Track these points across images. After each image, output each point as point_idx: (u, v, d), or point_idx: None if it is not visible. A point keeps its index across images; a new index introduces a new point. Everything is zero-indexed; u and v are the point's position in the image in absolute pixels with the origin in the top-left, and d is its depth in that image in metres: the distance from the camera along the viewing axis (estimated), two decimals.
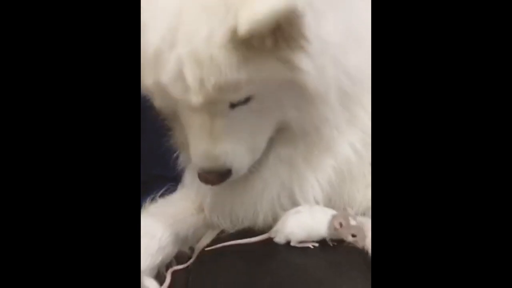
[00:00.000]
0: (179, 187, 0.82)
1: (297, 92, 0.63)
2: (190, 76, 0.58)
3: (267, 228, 0.74)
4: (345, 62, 0.67)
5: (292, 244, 0.71)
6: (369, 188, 0.72)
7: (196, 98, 0.60)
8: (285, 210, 0.74)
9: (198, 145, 0.65)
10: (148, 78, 0.62)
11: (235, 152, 0.66)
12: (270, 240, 0.72)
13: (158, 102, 0.67)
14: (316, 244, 0.70)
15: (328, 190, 0.74)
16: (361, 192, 0.74)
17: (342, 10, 0.68)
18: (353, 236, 0.68)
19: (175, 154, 0.81)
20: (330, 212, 0.71)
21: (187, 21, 0.58)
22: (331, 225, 0.69)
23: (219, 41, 0.57)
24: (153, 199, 0.80)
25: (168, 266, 0.76)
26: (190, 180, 0.81)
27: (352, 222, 0.69)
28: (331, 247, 0.70)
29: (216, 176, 0.67)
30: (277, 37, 0.59)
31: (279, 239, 0.72)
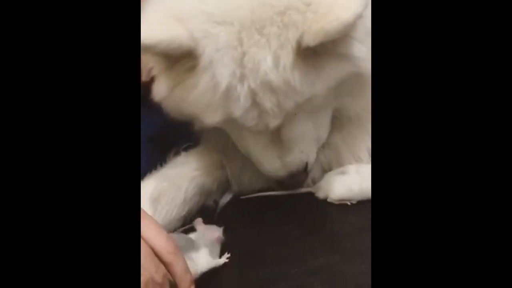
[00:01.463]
0: (203, 139, 0.82)
1: (354, 80, 0.62)
2: (267, 103, 0.58)
3: None
4: None
5: (328, 200, 0.71)
6: None
7: (274, 122, 0.60)
8: None
9: (273, 159, 0.66)
10: (215, 116, 0.61)
11: (307, 147, 0.67)
12: (308, 195, 0.73)
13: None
14: (354, 202, 0.70)
15: None
16: None
17: None
18: None
19: None
20: None
21: (249, 50, 0.56)
22: None
23: (288, 63, 0.56)
24: (177, 152, 0.81)
25: (192, 218, 0.77)
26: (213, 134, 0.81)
27: None
28: (362, 206, 0.69)
29: (299, 177, 0.69)
30: None
31: (321, 195, 0.72)
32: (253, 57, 0.56)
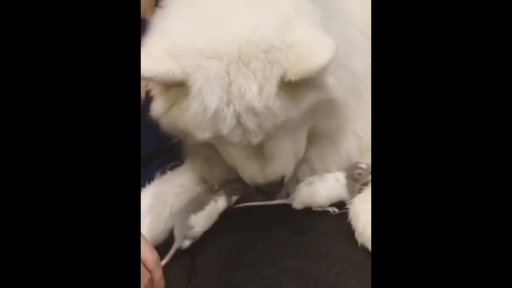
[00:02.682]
0: (186, 160, 0.92)
1: (326, 104, 0.73)
2: (250, 124, 0.67)
3: None
4: (349, 65, 0.76)
5: (313, 209, 0.82)
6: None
7: (256, 139, 0.70)
8: None
9: (254, 168, 0.76)
10: (204, 133, 0.70)
11: (286, 161, 0.77)
12: (282, 206, 0.84)
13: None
14: (336, 209, 0.81)
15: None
16: None
17: (337, 19, 0.77)
18: (359, 174, 0.80)
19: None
20: (340, 176, 0.81)
21: (236, 80, 0.66)
22: (349, 184, 0.80)
23: (272, 92, 0.66)
24: (163, 172, 0.91)
25: None
26: (194, 155, 0.91)
27: (362, 165, 0.81)
28: (325, 215, 0.80)
29: (276, 186, 0.78)
30: None
31: (296, 205, 0.82)
32: (239, 86, 0.66)
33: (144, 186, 0.88)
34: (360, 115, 0.82)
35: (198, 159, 0.90)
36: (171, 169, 0.91)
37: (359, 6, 0.85)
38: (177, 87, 0.69)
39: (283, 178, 0.78)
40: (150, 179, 0.89)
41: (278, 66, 0.65)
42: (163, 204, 0.86)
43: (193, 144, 0.83)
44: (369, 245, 0.70)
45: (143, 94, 0.85)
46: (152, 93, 0.75)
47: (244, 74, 0.66)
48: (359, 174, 0.80)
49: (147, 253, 0.69)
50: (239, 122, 0.68)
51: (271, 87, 0.66)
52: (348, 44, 0.77)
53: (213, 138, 0.71)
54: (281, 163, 0.76)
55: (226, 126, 0.68)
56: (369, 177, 0.80)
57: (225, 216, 0.84)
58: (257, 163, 0.75)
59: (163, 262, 0.76)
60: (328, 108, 0.74)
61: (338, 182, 0.81)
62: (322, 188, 0.82)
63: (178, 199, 0.87)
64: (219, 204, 0.83)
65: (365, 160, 0.82)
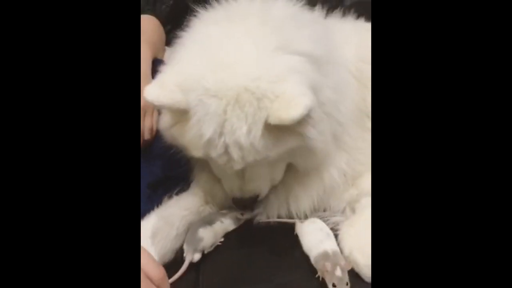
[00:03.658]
0: (191, 185, 1.01)
1: (303, 149, 0.83)
2: (235, 155, 0.78)
3: None
4: (337, 114, 0.86)
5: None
6: (345, 192, 0.94)
7: (238, 166, 0.81)
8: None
9: (234, 185, 0.89)
10: (198, 152, 0.82)
11: (262, 183, 0.89)
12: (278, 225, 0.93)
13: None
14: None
15: (316, 202, 0.95)
16: (340, 196, 0.95)
17: (332, 69, 0.87)
18: (334, 286, 0.73)
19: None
20: (329, 244, 0.81)
21: (230, 119, 0.76)
22: (318, 260, 0.78)
23: (258, 134, 0.76)
24: (170, 196, 0.99)
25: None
26: (198, 181, 1.01)
27: (338, 273, 0.74)
28: None
29: (250, 202, 0.90)
30: None
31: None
32: (231, 124, 0.77)
33: (152, 209, 0.96)
34: (343, 149, 0.92)
35: (202, 179, 0.99)
36: (177, 193, 1.00)
37: (351, 49, 0.96)
38: (180, 114, 0.80)
39: (257, 196, 0.90)
40: (158, 203, 0.97)
41: (265, 111, 0.76)
42: (170, 226, 0.93)
43: (198, 164, 0.96)
44: (355, 267, 0.78)
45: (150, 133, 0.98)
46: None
47: (238, 115, 0.76)
48: (327, 269, 0.74)
49: (152, 270, 0.75)
50: (226, 151, 0.78)
51: (258, 129, 0.76)
52: (339, 93, 0.87)
53: (204, 157, 0.83)
54: (258, 186, 0.89)
55: (215, 152, 0.79)
56: (330, 285, 0.73)
57: (226, 235, 0.93)
58: (237, 182, 0.88)
59: (176, 276, 0.83)
60: (304, 151, 0.84)
61: (320, 245, 0.81)
62: (313, 235, 0.85)
63: (184, 221, 0.94)
64: (225, 224, 0.93)
65: (351, 191, 0.93)
